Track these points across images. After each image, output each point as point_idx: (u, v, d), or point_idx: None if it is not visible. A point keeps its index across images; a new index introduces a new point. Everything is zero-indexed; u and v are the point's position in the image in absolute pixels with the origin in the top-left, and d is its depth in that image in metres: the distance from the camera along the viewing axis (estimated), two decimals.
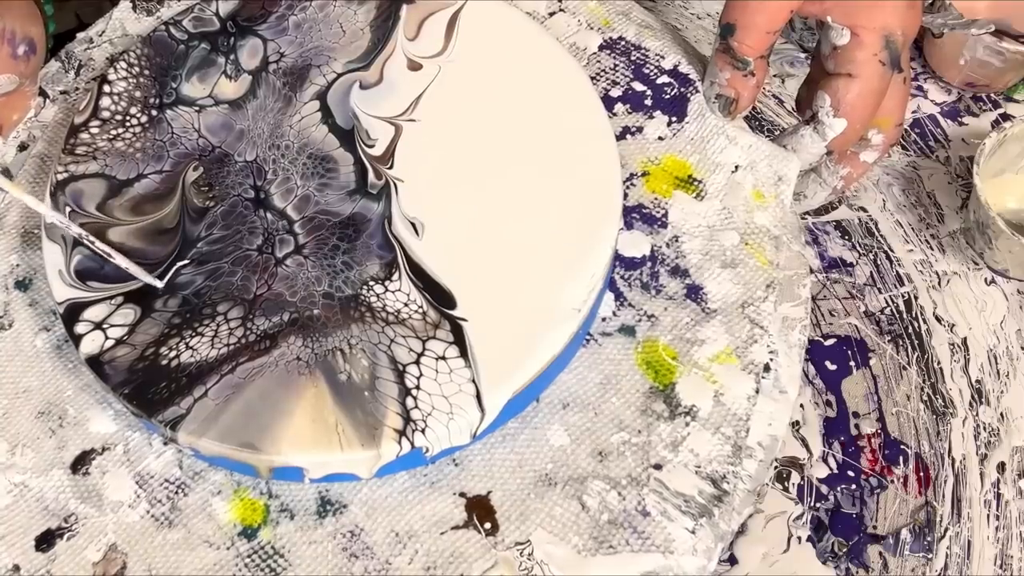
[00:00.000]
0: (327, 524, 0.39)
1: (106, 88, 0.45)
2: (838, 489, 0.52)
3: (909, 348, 0.56)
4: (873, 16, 0.43)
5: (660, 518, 0.39)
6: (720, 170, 0.46)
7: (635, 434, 0.40)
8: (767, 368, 0.42)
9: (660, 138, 0.47)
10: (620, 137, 0.47)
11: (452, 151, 0.44)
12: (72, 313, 0.40)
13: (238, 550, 0.39)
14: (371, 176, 0.43)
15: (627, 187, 0.46)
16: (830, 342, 0.56)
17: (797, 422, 0.54)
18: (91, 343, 0.39)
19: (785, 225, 0.45)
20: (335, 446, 0.37)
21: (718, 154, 0.47)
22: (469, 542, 0.39)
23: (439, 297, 0.40)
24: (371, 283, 0.40)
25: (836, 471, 0.52)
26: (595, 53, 0.50)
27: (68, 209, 0.42)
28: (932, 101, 0.66)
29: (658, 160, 0.47)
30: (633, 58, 0.50)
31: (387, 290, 0.40)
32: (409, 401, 0.38)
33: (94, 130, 0.44)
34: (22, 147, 0.48)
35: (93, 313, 0.40)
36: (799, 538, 0.50)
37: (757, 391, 0.42)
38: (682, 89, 0.49)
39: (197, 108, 0.45)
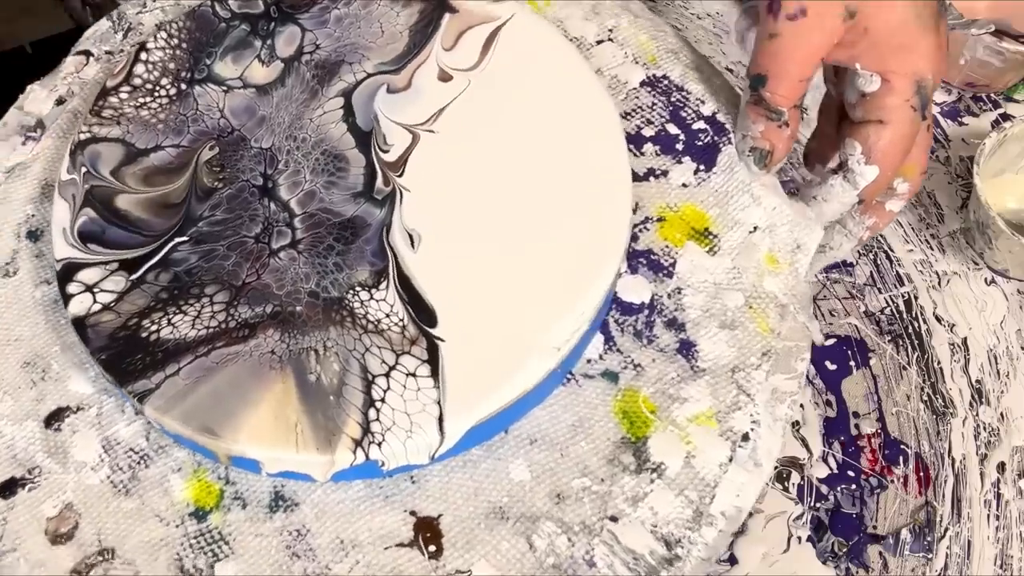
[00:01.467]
0: (276, 519, 0.42)
1: (143, 55, 0.49)
2: (838, 489, 0.53)
3: (909, 348, 0.58)
4: (905, 61, 0.44)
5: (606, 571, 0.40)
6: (738, 228, 0.47)
7: (597, 482, 0.42)
8: (746, 438, 0.43)
9: (684, 185, 0.49)
10: (643, 178, 0.49)
11: (465, 168, 0.46)
12: (67, 272, 0.43)
13: (186, 529, 0.41)
14: (379, 181, 0.45)
15: (640, 230, 0.48)
16: (830, 342, 0.58)
17: (797, 422, 0.55)
18: (79, 304, 0.42)
19: (795, 295, 0.46)
20: (291, 445, 0.39)
21: (739, 211, 0.48)
22: (411, 562, 0.41)
23: (421, 313, 0.42)
24: (358, 288, 0.42)
25: (836, 471, 0.54)
26: (635, 88, 0.52)
27: (84, 170, 0.45)
28: (932, 101, 0.67)
29: (677, 207, 0.48)
30: (673, 99, 0.51)
31: (372, 298, 0.42)
32: (372, 412, 0.40)
33: (123, 95, 0.48)
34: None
35: (87, 275, 0.43)
36: (799, 538, 0.52)
37: (731, 459, 0.42)
38: (716, 138, 0.50)
39: (225, 88, 0.48)
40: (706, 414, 0.43)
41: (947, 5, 0.59)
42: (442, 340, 0.41)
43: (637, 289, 0.46)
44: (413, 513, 0.42)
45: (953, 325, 0.59)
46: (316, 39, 0.49)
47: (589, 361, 0.45)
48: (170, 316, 0.42)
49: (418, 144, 0.46)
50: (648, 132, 0.50)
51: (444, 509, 0.42)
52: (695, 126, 0.50)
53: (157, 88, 0.48)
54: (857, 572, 0.51)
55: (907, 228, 0.63)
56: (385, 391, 0.40)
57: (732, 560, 0.51)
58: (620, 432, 0.43)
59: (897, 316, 0.59)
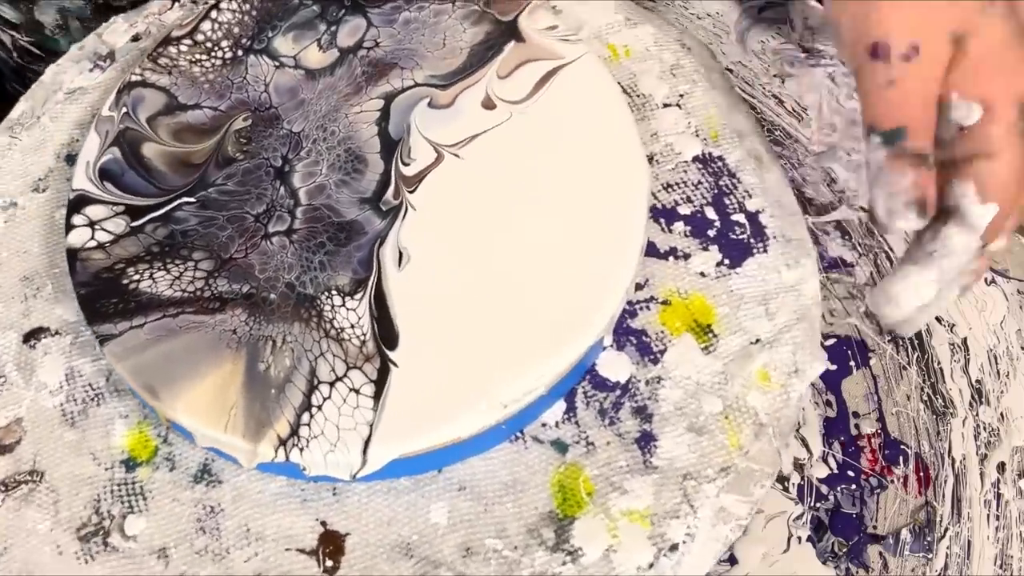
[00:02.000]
0: (196, 490, 0.43)
1: (213, 14, 0.51)
2: (838, 489, 0.54)
3: (909, 348, 0.58)
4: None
5: None
6: (741, 334, 0.46)
7: (510, 548, 0.42)
8: (674, 548, 0.42)
9: (702, 274, 0.48)
10: (662, 255, 0.48)
11: (476, 200, 0.46)
12: (77, 204, 0.46)
13: (113, 474, 0.44)
14: (390, 192, 0.46)
15: (640, 307, 0.47)
16: (830, 342, 0.58)
17: (797, 422, 0.55)
18: (77, 236, 0.45)
19: (778, 418, 0.45)
20: (221, 426, 0.41)
21: (749, 319, 0.46)
22: (305, 570, 0.42)
23: (385, 333, 0.43)
24: (334, 292, 0.44)
25: (836, 471, 0.54)
26: (687, 161, 0.51)
27: (124, 110, 0.48)
28: None
29: (687, 295, 0.47)
30: (721, 183, 0.50)
31: (344, 305, 0.43)
32: (305, 416, 0.41)
33: (183, 47, 0.50)
34: (135, 38, 0.55)
35: (93, 211, 0.46)
36: (799, 538, 0.53)
37: (651, 566, 0.42)
38: (751, 239, 0.48)
39: (277, 64, 0.50)
40: (642, 513, 0.43)
41: None
42: (395, 365, 0.42)
43: (617, 367, 0.46)
44: (324, 524, 0.43)
45: (953, 325, 0.59)
46: (378, 36, 0.51)
47: (544, 425, 0.45)
48: (153, 271, 0.44)
49: (440, 165, 0.47)
50: (684, 210, 0.49)
51: (354, 529, 0.43)
52: (734, 217, 0.49)
53: (216, 48, 0.50)
54: (857, 572, 0.52)
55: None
56: (325, 399, 0.41)
57: (732, 560, 0.52)
58: (550, 505, 0.43)
59: None
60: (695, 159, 0.51)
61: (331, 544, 0.42)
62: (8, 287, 0.48)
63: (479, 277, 0.44)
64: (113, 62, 0.54)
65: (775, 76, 0.67)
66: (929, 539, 0.52)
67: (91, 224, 0.45)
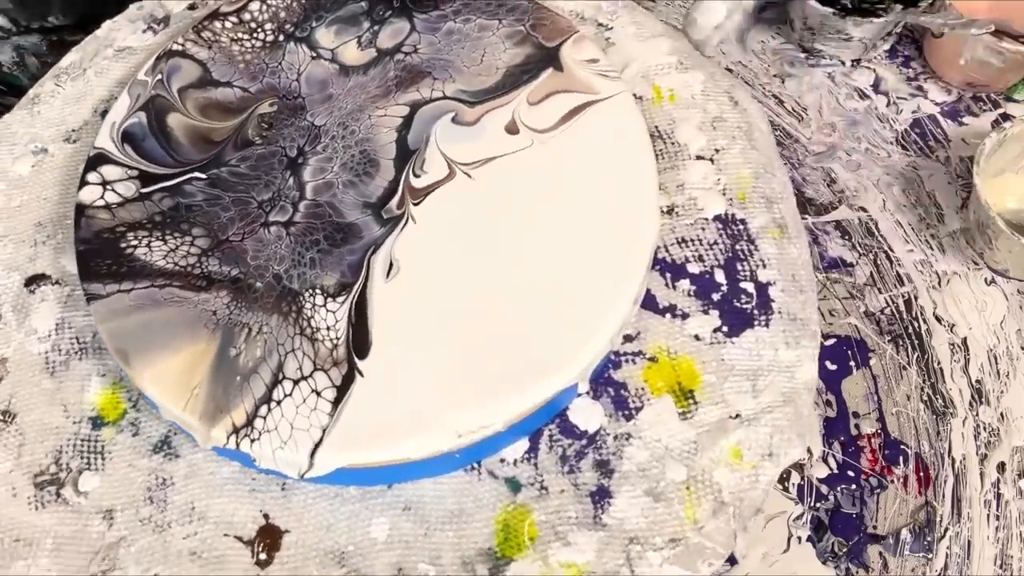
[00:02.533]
0: (154, 460, 0.46)
1: None
2: (838, 489, 0.55)
3: (909, 348, 0.60)
4: None
5: None
6: (723, 407, 0.46)
7: None
8: None
9: (696, 337, 0.48)
10: (660, 312, 0.48)
11: (479, 222, 0.47)
12: (95, 161, 0.48)
13: (79, 429, 0.46)
14: (394, 201, 0.47)
15: (626, 360, 0.47)
16: (830, 342, 0.60)
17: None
18: (88, 193, 0.47)
19: (741, 499, 0.45)
20: (181, 403, 0.43)
21: (733, 393, 0.46)
22: (239, 558, 0.43)
23: (359, 341, 0.44)
24: (318, 291, 0.45)
25: (836, 471, 0.56)
26: (706, 219, 0.51)
27: (158, 77, 0.51)
28: (932, 101, 0.70)
29: (676, 355, 0.47)
30: (738, 247, 0.50)
31: (325, 305, 0.45)
32: (263, 409, 0.43)
33: (228, 24, 0.52)
34: (191, 7, 0.57)
35: (108, 171, 0.48)
36: (799, 538, 0.54)
37: None
38: (756, 311, 0.48)
39: (314, 55, 0.52)
40: (580, 568, 0.43)
41: (947, 5, 0.62)
42: (361, 375, 0.43)
43: (588, 415, 0.46)
44: (266, 517, 0.44)
45: (953, 325, 0.60)
46: (418, 43, 0.52)
47: (503, 461, 0.45)
48: (151, 239, 0.46)
49: (450, 181, 0.48)
50: (693, 268, 0.49)
51: (294, 527, 0.44)
52: (743, 285, 0.49)
53: (259, 30, 0.52)
54: (857, 572, 0.53)
55: (907, 228, 0.64)
56: (286, 396, 0.43)
57: (732, 560, 0.53)
58: (491, 542, 0.44)
59: (897, 316, 0.61)
60: (716, 218, 0.51)
61: (269, 538, 0.44)
62: (22, 230, 0.51)
63: (463, 301, 0.45)
64: (166, 27, 0.56)
65: (775, 76, 0.69)
66: (929, 539, 0.54)
67: (103, 184, 0.48)
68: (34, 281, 0.49)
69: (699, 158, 0.52)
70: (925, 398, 0.58)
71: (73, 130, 0.53)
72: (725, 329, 0.48)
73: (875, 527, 0.54)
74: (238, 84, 0.51)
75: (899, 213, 0.65)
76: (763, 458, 0.45)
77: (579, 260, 0.46)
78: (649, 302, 0.49)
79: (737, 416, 0.46)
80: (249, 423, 0.42)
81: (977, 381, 0.58)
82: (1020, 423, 0.57)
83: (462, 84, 0.51)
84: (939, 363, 0.59)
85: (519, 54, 0.51)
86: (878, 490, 0.55)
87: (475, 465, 0.45)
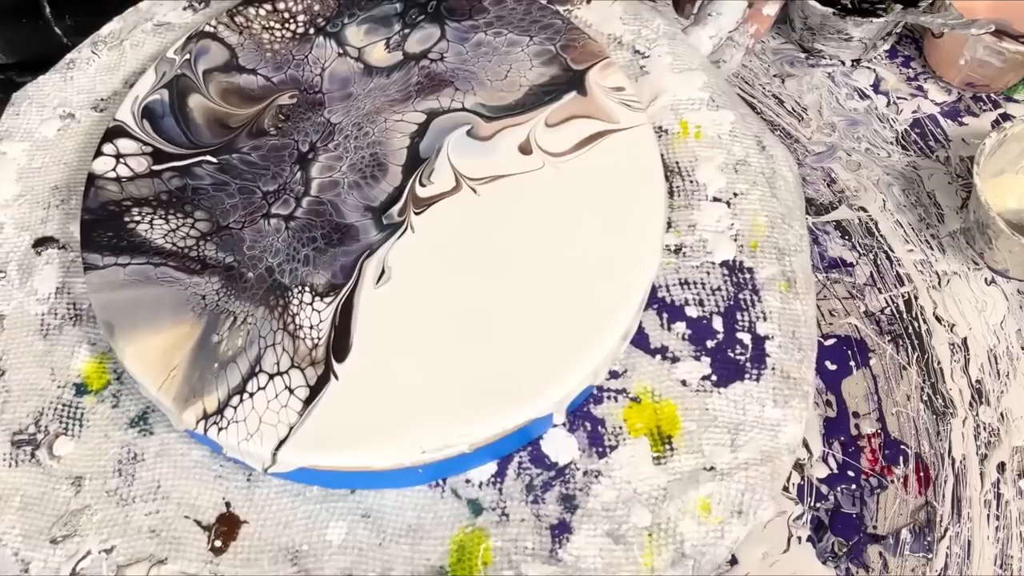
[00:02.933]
0: (128, 434, 0.47)
1: None
2: (838, 489, 0.57)
3: (909, 348, 0.61)
4: None
5: None
6: (698, 457, 0.46)
7: None
8: None
9: (683, 382, 0.48)
10: (651, 352, 0.48)
11: (478, 239, 0.47)
12: (112, 133, 0.50)
13: (62, 394, 0.48)
14: (396, 207, 0.48)
15: (609, 396, 0.48)
16: (830, 342, 0.62)
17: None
18: (101, 163, 0.49)
19: (703, 552, 0.44)
20: (157, 383, 0.44)
21: (711, 445, 0.46)
22: (194, 542, 0.45)
23: (339, 344, 0.45)
24: (307, 289, 0.46)
25: (836, 471, 0.57)
26: (713, 263, 0.51)
27: (186, 57, 0.52)
28: (932, 101, 0.72)
29: (659, 398, 0.48)
30: (741, 296, 0.50)
31: (312, 304, 0.46)
32: (235, 399, 0.44)
33: (263, 11, 0.54)
34: None
35: (124, 144, 0.50)
36: (799, 538, 0.55)
37: None
38: (749, 364, 0.48)
39: (341, 52, 0.53)
40: None
41: (947, 5, 0.64)
42: (336, 378, 0.44)
43: (561, 447, 0.47)
44: (228, 505, 0.46)
45: (953, 325, 0.62)
46: (446, 50, 0.53)
47: (468, 481, 0.46)
48: (154, 216, 0.48)
49: (455, 195, 0.48)
50: (692, 312, 0.49)
51: (253, 519, 0.45)
52: (740, 335, 0.49)
53: (291, 20, 0.54)
54: (857, 572, 0.54)
55: (907, 228, 0.66)
56: (259, 389, 0.44)
57: (732, 560, 0.54)
58: (443, 561, 0.44)
59: (897, 316, 0.62)
60: (724, 263, 0.51)
61: (227, 526, 0.45)
62: (39, 191, 0.53)
63: (449, 317, 0.46)
64: (206, 7, 0.58)
65: (775, 76, 0.71)
66: (929, 539, 0.55)
67: (117, 156, 0.49)
68: (42, 243, 0.51)
69: (716, 200, 0.52)
70: (925, 398, 0.59)
71: (102, 99, 0.56)
72: (714, 378, 0.48)
73: (875, 527, 0.55)
74: (262, 72, 0.52)
75: (899, 213, 0.66)
76: (732, 515, 0.45)
77: (572, 290, 0.46)
78: (641, 341, 0.49)
79: (712, 468, 0.46)
80: (220, 411, 0.43)
81: (977, 381, 0.60)
82: (1020, 423, 0.59)
83: (482, 98, 0.51)
84: (939, 363, 0.61)
85: (545, 74, 0.52)
86: (878, 490, 0.56)
87: (440, 482, 0.46)
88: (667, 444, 0.47)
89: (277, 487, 0.46)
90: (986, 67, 0.69)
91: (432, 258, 0.47)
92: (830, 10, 0.69)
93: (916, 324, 0.62)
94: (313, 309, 0.46)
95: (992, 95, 0.73)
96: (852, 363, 0.61)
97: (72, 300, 0.50)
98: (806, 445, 0.58)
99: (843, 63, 0.73)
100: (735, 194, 0.52)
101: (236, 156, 0.50)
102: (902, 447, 0.57)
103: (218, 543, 0.45)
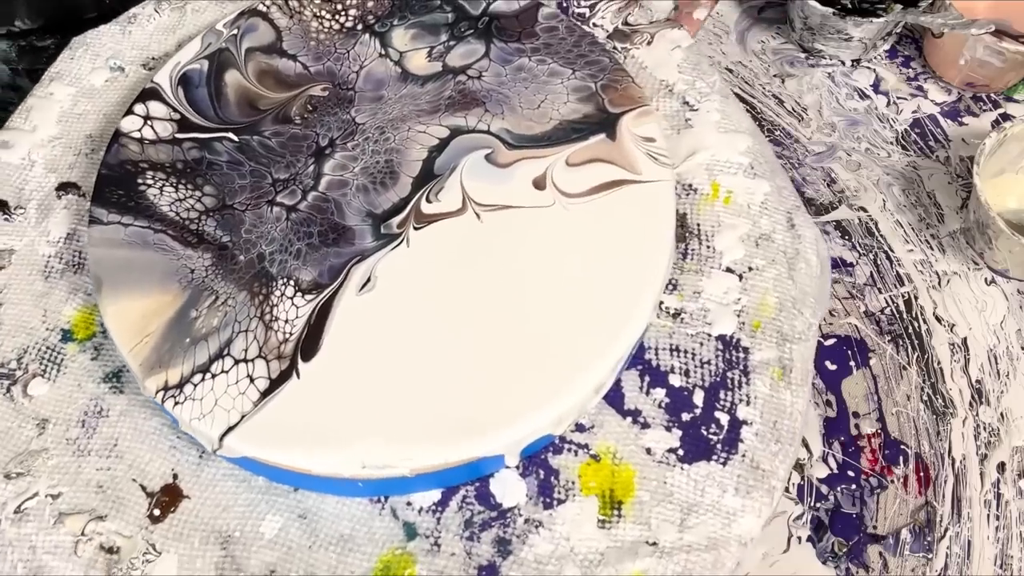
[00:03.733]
0: (100, 388, 0.50)
1: None
2: (838, 489, 0.59)
3: (909, 348, 0.63)
4: None
5: None
6: (643, 529, 0.46)
7: None
8: None
9: (648, 451, 0.48)
10: (623, 413, 0.49)
11: (469, 265, 0.49)
12: (146, 94, 0.53)
13: (48, 336, 0.51)
14: (398, 218, 0.50)
15: (569, 449, 0.48)
16: (830, 342, 0.64)
17: None
18: (129, 122, 0.53)
19: None
20: (128, 345, 0.47)
21: (660, 520, 0.46)
22: (136, 506, 0.47)
23: (309, 344, 0.47)
24: (291, 283, 0.49)
25: (836, 471, 0.59)
26: (709, 335, 0.51)
27: (234, 32, 0.55)
28: (932, 101, 0.74)
29: (620, 463, 0.48)
30: (729, 375, 0.50)
31: (292, 298, 0.48)
32: (198, 377, 0.46)
33: (318, 1, 0.57)
34: None
35: (155, 107, 0.53)
36: (799, 538, 0.57)
37: None
38: (720, 446, 0.48)
39: (382, 53, 0.55)
40: None
41: (947, 5, 0.66)
42: (298, 376, 0.46)
43: (509, 490, 0.48)
44: (175, 477, 0.48)
45: (953, 325, 0.64)
46: (485, 69, 0.54)
47: (409, 504, 0.48)
48: (165, 183, 0.51)
49: (459, 216, 0.50)
50: (675, 380, 0.50)
51: (195, 496, 0.48)
52: (717, 415, 0.49)
53: (342, 12, 0.56)
54: (857, 572, 0.56)
55: (907, 228, 0.68)
56: (222, 372, 0.46)
57: None
58: None
59: (897, 316, 0.64)
60: (720, 337, 0.51)
61: (169, 497, 0.48)
62: (74, 137, 0.57)
63: (421, 338, 0.47)
64: None
65: (775, 76, 0.73)
66: (929, 539, 0.56)
67: (146, 118, 0.53)
68: (64, 188, 0.55)
69: (728, 271, 0.53)
70: (925, 398, 0.61)
71: (153, 58, 0.59)
72: (680, 452, 0.48)
73: (875, 527, 0.57)
74: (302, 59, 0.55)
75: (899, 213, 0.68)
76: None
77: (552, 335, 0.47)
78: (616, 399, 0.50)
79: (654, 544, 0.46)
80: (180, 386, 0.46)
81: (977, 381, 0.61)
82: (1020, 423, 0.60)
83: (510, 124, 0.53)
84: (939, 363, 0.62)
85: (578, 110, 0.53)
86: (878, 490, 0.58)
87: (382, 499, 0.48)
88: (616, 509, 0.47)
89: (225, 470, 0.49)
90: (986, 67, 0.71)
91: (420, 275, 0.49)
92: (830, 10, 0.71)
93: (916, 324, 0.64)
94: (293, 304, 0.48)
95: (992, 95, 0.75)
96: (852, 363, 0.63)
97: (79, 248, 0.54)
98: (806, 445, 0.60)
99: (843, 63, 0.75)
100: (750, 268, 0.53)
101: (257, 139, 0.52)
102: (902, 447, 0.59)
103: (157, 512, 0.48)
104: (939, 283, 0.65)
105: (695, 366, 0.50)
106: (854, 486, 0.58)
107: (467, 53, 0.55)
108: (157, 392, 0.46)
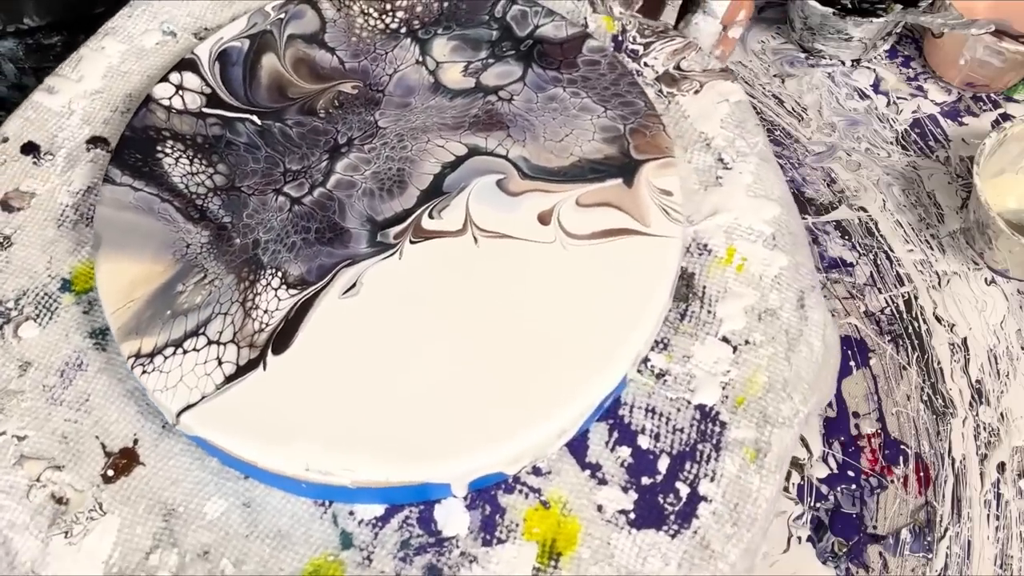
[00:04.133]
0: (86, 342, 0.52)
1: None
2: (838, 489, 0.60)
3: (909, 348, 0.65)
4: None
5: None
6: None
7: (230, 567, 0.47)
8: None
9: (599, 508, 0.48)
10: (582, 466, 0.49)
11: (459, 287, 0.49)
12: (184, 65, 0.55)
13: (48, 283, 0.53)
14: (396, 229, 0.51)
15: (521, 490, 0.48)
16: None
17: None
18: (161, 89, 0.55)
19: None
20: (113, 306, 0.49)
21: None
22: (92, 463, 0.49)
23: (282, 337, 0.48)
24: (281, 275, 0.50)
25: (836, 471, 0.61)
26: (688, 402, 0.50)
27: (281, 17, 0.57)
28: (932, 101, 0.76)
29: (568, 514, 0.48)
30: (699, 448, 0.49)
31: (276, 291, 0.49)
32: (170, 350, 0.48)
33: None
34: None
35: (190, 79, 0.55)
36: (799, 538, 0.59)
37: None
38: (673, 518, 0.47)
39: (419, 60, 0.56)
40: None
41: (947, 5, 0.68)
42: (264, 368, 0.48)
43: (451, 520, 0.48)
44: (135, 442, 0.50)
45: (953, 325, 0.65)
46: (517, 93, 0.54)
47: (352, 514, 0.48)
48: (181, 155, 0.53)
49: (456, 237, 0.50)
50: (642, 442, 0.49)
51: (151, 465, 0.49)
52: (678, 485, 0.48)
53: (390, 14, 0.57)
54: (857, 572, 0.58)
55: (907, 228, 0.69)
56: (194, 350, 0.48)
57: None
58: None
59: (897, 316, 0.66)
60: (699, 407, 0.50)
61: (126, 460, 0.50)
62: (115, 93, 0.59)
63: (392, 351, 0.48)
64: None
65: (775, 76, 0.75)
66: (929, 539, 0.57)
67: (178, 87, 0.55)
68: (95, 142, 0.58)
69: (724, 340, 0.52)
70: (925, 398, 0.62)
71: (205, 28, 0.61)
72: (631, 516, 0.48)
73: (875, 527, 0.58)
74: (339, 54, 0.56)
75: (899, 213, 0.69)
76: None
77: (521, 375, 0.47)
78: (579, 449, 0.49)
79: None
80: (151, 355, 0.48)
81: (977, 381, 0.63)
82: (1020, 423, 0.61)
83: (529, 153, 0.53)
84: (939, 363, 0.64)
85: (601, 151, 0.53)
86: (878, 490, 0.59)
87: (326, 504, 0.49)
88: (553, 560, 0.47)
89: (183, 445, 0.50)
90: (986, 67, 0.72)
91: (405, 290, 0.49)
92: (830, 10, 0.72)
93: (916, 324, 0.65)
94: (276, 295, 0.49)
95: (992, 95, 0.76)
96: (852, 363, 0.64)
97: (95, 203, 0.56)
98: (806, 445, 0.61)
99: (843, 63, 0.76)
100: (747, 341, 0.52)
101: (278, 126, 0.54)
102: (902, 447, 0.60)
103: (111, 472, 0.49)
104: (939, 283, 0.67)
105: (667, 431, 0.50)
106: (854, 486, 0.59)
107: (503, 74, 0.55)
108: (129, 358, 0.48)
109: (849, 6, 0.76)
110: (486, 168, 0.52)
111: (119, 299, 0.49)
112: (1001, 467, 0.60)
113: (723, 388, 0.51)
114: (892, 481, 0.59)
